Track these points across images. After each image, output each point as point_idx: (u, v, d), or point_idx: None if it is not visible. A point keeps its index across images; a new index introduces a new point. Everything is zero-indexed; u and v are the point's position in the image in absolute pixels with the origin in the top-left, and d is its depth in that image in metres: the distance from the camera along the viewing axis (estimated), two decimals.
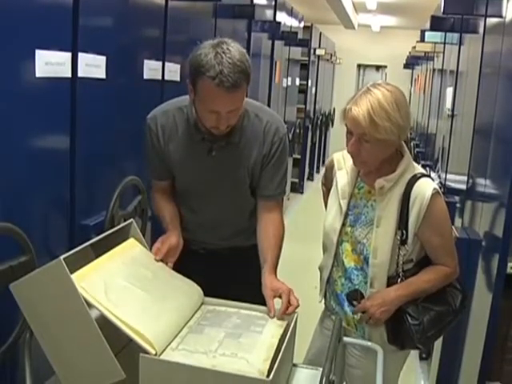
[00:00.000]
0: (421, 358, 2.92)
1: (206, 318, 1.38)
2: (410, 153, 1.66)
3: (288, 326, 1.37)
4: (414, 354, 2.83)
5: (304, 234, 4.46)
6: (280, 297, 1.46)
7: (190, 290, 1.48)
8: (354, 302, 1.61)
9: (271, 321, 1.39)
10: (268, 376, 1.16)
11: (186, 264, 1.60)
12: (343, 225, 1.65)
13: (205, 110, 1.52)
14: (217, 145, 1.63)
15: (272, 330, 1.34)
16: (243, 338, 1.28)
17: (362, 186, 1.66)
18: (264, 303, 1.47)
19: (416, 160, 1.64)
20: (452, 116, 3.22)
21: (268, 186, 1.68)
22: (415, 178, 1.56)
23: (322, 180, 1.84)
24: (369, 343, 1.56)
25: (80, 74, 1.63)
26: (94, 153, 1.78)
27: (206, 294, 1.50)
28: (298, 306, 1.43)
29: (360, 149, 1.53)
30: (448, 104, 3.46)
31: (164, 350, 1.22)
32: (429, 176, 1.60)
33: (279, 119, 1.71)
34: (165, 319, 1.30)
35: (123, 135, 1.94)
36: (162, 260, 1.52)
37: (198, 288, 1.49)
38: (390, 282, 1.58)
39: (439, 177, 3.29)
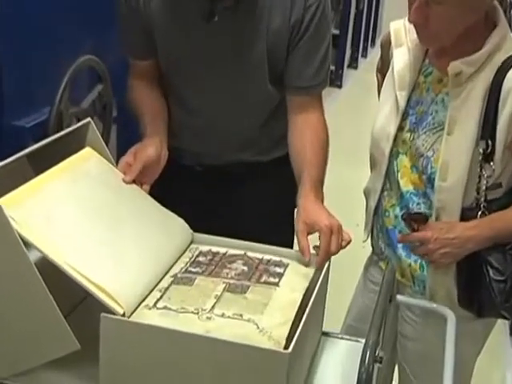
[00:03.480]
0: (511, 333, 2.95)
1: (198, 264, 1.38)
2: (509, 25, 1.59)
3: (316, 276, 1.36)
4: (500, 325, 2.83)
5: (342, 148, 4.39)
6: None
7: (173, 224, 1.48)
8: (413, 224, 1.60)
9: (292, 269, 1.38)
10: (286, 347, 1.14)
11: (172, 187, 1.65)
12: (400, 129, 1.64)
13: None
14: (221, 4, 1.59)
15: (293, 282, 1.33)
16: (251, 293, 1.28)
17: (429, 72, 1.64)
18: (287, 245, 1.45)
19: None
20: None
21: (301, 73, 1.69)
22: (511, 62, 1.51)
23: (378, 64, 1.84)
24: (433, 305, 1.57)
25: None
26: (27, 19, 1.73)
27: (202, 230, 1.50)
28: (350, 242, 1.45)
29: (428, 16, 1.49)
30: None
31: (136, 307, 1.23)
32: None
33: None
34: (136, 265, 1.30)
35: None
36: (134, 181, 1.51)
37: (184, 223, 1.50)
38: (466, 215, 1.58)
39: None
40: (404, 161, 1.64)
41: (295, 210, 1.90)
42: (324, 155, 1.68)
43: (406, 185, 1.64)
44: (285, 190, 1.86)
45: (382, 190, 1.70)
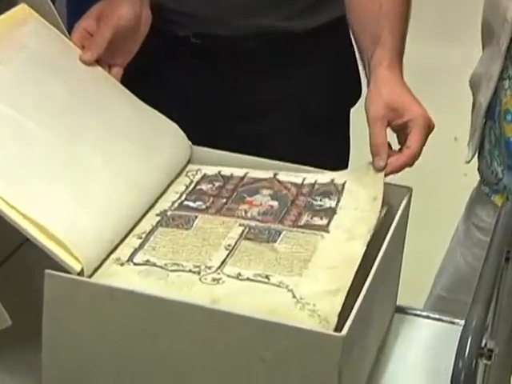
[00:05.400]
0: None
1: (200, 195, 1.40)
2: None
3: (389, 215, 1.35)
4: None
5: (430, 16, 4.38)
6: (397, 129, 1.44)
7: (160, 130, 1.51)
8: None
9: (350, 200, 1.37)
10: (339, 328, 1.10)
11: (156, 71, 1.73)
12: None
13: None
14: None
15: (351, 223, 1.32)
16: (285, 242, 1.28)
17: None
18: (340, 166, 1.50)
19: None
20: None
21: None
22: None
23: None
24: None
25: None
26: None
27: (204, 143, 1.53)
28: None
29: None
30: None
31: (102, 262, 1.23)
32: None
33: None
34: (102, 196, 1.31)
35: None
36: (98, 61, 1.52)
37: (178, 129, 1.52)
38: None
39: None
40: None
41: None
42: (404, 15, 1.60)
43: None
44: (333, 80, 1.91)
45: (502, 79, 1.65)
